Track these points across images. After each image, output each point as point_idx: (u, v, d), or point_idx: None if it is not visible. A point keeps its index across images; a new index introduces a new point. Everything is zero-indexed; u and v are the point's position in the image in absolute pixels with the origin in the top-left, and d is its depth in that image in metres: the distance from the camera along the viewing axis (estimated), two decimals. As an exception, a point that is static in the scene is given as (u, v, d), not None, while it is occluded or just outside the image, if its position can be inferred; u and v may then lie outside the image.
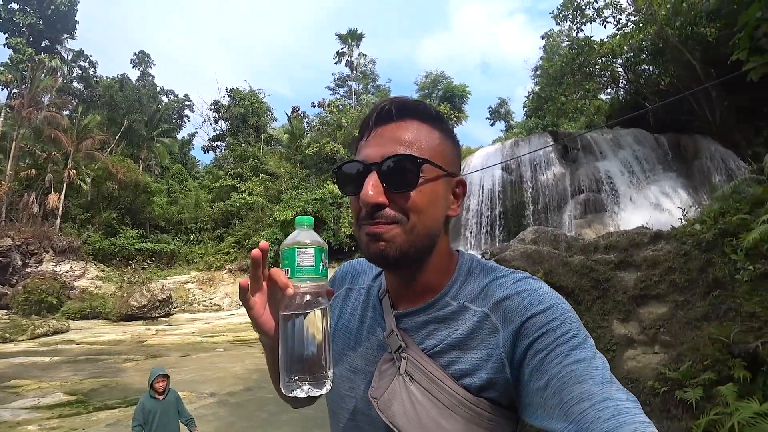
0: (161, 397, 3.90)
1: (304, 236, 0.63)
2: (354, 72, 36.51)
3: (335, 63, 37.26)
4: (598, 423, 0.49)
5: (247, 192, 25.15)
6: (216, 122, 36.30)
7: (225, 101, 35.33)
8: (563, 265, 6.34)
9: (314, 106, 34.14)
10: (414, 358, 0.67)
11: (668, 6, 13.89)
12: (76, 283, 19.53)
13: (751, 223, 3.84)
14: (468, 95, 30.06)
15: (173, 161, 33.97)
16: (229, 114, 34.46)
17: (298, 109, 33.29)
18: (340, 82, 37.82)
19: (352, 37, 35.67)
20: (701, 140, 15.68)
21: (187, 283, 21.81)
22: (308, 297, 0.61)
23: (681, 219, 5.95)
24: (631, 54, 16.23)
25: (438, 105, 25.92)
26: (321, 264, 0.63)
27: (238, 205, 24.75)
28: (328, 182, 22.34)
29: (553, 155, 19.11)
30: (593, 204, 17.07)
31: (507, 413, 0.65)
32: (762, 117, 12.80)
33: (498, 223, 18.33)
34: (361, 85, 35.85)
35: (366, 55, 36.98)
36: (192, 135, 40.02)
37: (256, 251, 0.60)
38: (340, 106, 27.71)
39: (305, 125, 30.82)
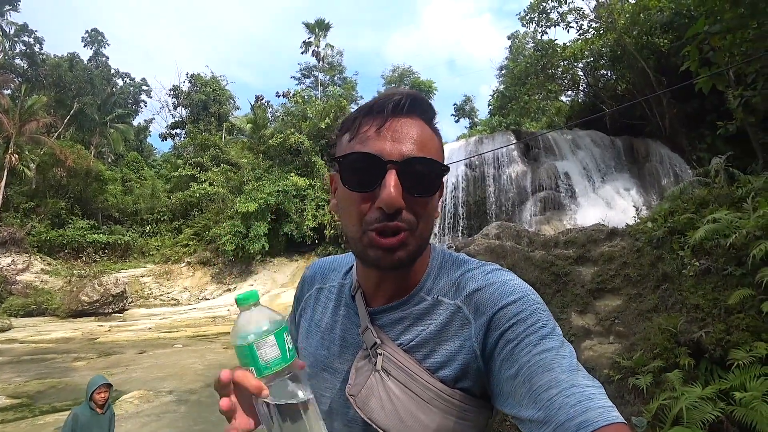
0: (101, 411, 3.34)
1: (257, 322, 0.55)
2: (320, 63, 36.00)
3: (301, 53, 36.64)
4: (565, 408, 0.50)
5: (207, 182, 24.26)
6: (175, 109, 34.83)
7: (185, 87, 33.94)
8: (525, 259, 6.58)
9: (279, 96, 33.52)
10: (390, 354, 0.68)
11: (627, 16, 14.62)
12: (18, 278, 18.20)
13: (696, 222, 4.13)
14: (434, 91, 30.43)
15: (128, 148, 32.29)
16: (189, 101, 33.12)
17: (262, 98, 32.49)
18: (306, 72, 37.22)
19: (320, 27, 35.11)
20: (652, 144, 16.66)
21: (143, 276, 20.85)
22: (287, 387, 0.55)
23: (634, 217, 6.30)
24: (592, 59, 16.98)
25: (405, 100, 26.04)
26: (286, 347, 0.55)
27: (197, 195, 23.86)
28: (291, 174, 21.93)
29: (516, 153, 19.66)
30: (552, 201, 17.75)
31: (481, 402, 0.66)
32: (707, 125, 13.73)
33: (461, 218, 18.70)
34: (328, 77, 35.43)
35: (333, 46, 36.55)
36: (149, 121, 38.27)
37: (223, 376, 0.54)
38: (306, 97, 27.22)
39: (269, 115, 30.09)
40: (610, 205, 15.88)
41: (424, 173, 0.63)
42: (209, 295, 19.68)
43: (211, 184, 24.14)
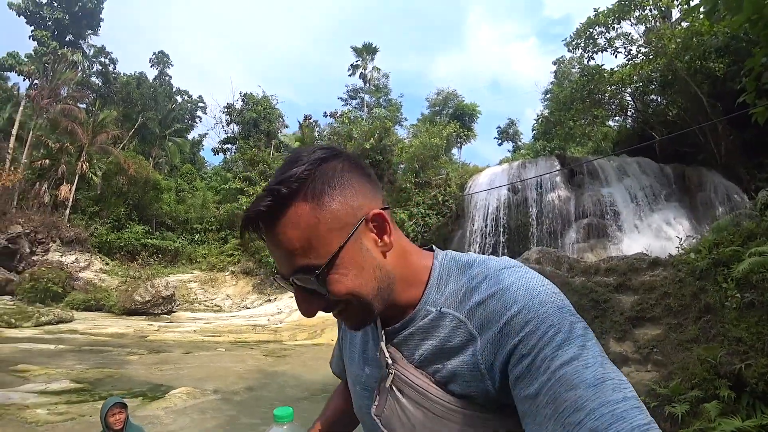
0: None
1: None
2: (367, 85, 37.19)
3: (349, 75, 38.06)
4: None
5: (254, 196, 25.47)
6: (228, 125, 36.86)
7: (238, 105, 35.96)
8: (565, 285, 6.58)
9: (326, 116, 34.78)
10: (401, 371, 0.68)
11: (678, 41, 14.31)
12: (80, 275, 19.79)
13: (742, 255, 4.09)
14: (478, 114, 30.61)
15: (183, 161, 34.53)
16: (241, 118, 35.03)
17: (310, 118, 33.85)
18: (352, 93, 38.50)
19: (367, 51, 36.41)
20: (706, 172, 15.96)
21: (189, 282, 22.05)
22: None
23: (678, 247, 6.18)
24: (640, 84, 16.63)
25: (448, 123, 26.36)
26: None
27: (244, 208, 25.03)
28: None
29: (559, 178, 19.37)
30: (596, 229, 17.27)
31: (499, 412, 0.63)
32: (767, 153, 13.09)
33: (501, 242, 18.52)
34: (374, 98, 36.50)
35: (380, 69, 37.72)
36: (203, 136, 40.76)
37: None
38: (352, 117, 28.18)
39: (316, 134, 31.33)
40: (658, 235, 15.30)
41: (307, 283, 0.63)
42: (250, 304, 20.47)
43: (257, 198, 25.32)
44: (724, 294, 3.97)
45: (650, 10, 15.94)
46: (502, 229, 18.72)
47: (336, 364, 1.01)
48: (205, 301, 20.67)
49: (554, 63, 24.48)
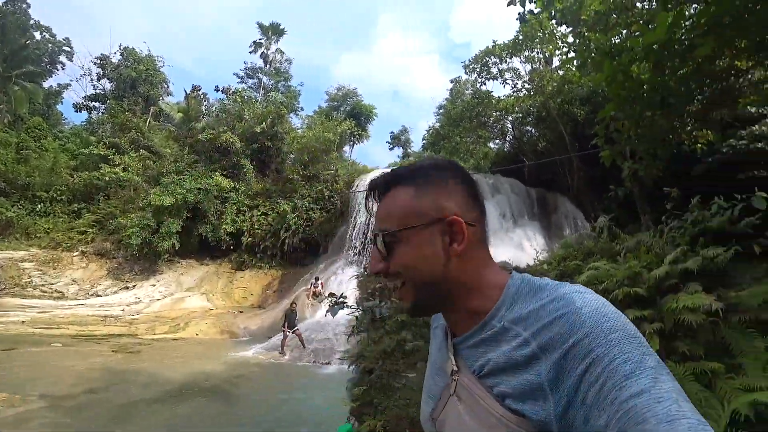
0: None
1: None
2: (268, 66, 35.33)
3: (250, 52, 35.78)
4: None
5: (121, 167, 22.17)
6: (99, 80, 31.74)
7: (115, 59, 31.20)
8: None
9: (218, 91, 32.04)
10: (463, 380, 0.72)
11: (554, 84, 16.49)
12: None
13: (582, 269, 4.80)
14: (374, 116, 31.25)
15: (33, 112, 28.57)
16: (117, 74, 30.47)
17: (200, 89, 30.90)
18: (250, 72, 36.24)
19: (273, 31, 34.64)
20: (561, 198, 18.67)
21: (23, 261, 18.29)
22: None
23: (534, 259, 7.06)
24: (520, 115, 18.81)
25: (344, 119, 26.37)
26: None
27: (107, 179, 21.66)
28: (216, 173, 20.87)
29: (443, 188, 20.79)
30: (469, 238, 18.95)
31: None
32: (606, 189, 15.83)
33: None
34: (272, 81, 34.81)
35: (283, 53, 36.19)
36: (64, 87, 34.19)
37: None
38: (246, 97, 26.42)
39: (203, 108, 28.67)
40: (518, 247, 17.38)
41: (384, 241, 0.74)
42: (102, 291, 17.77)
43: (125, 170, 22.12)
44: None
45: (537, 53, 18.10)
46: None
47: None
48: (43, 285, 17.33)
49: (452, 81, 26.20)
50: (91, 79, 32.02)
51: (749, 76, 7.22)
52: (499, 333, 0.68)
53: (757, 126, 9.47)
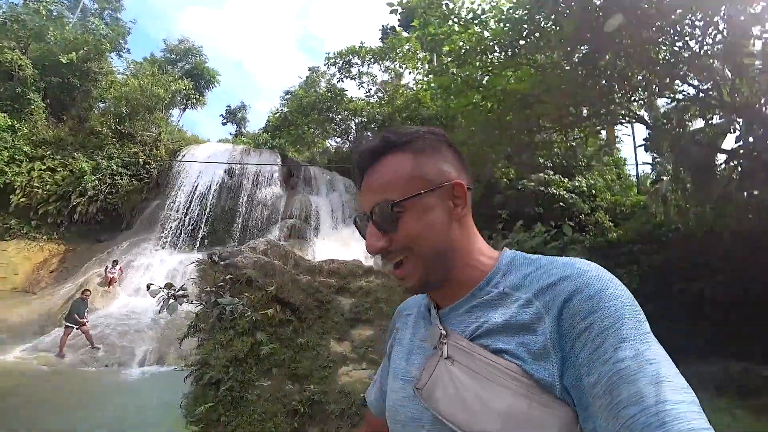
0: None
1: None
2: (94, -16, 27.42)
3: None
4: (647, 431, 0.48)
5: None
6: None
7: None
8: (293, 281, 6.68)
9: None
10: (454, 342, 0.68)
11: (404, 99, 17.94)
12: None
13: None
14: (216, 83, 27.83)
15: None
16: None
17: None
18: (67, -17, 27.45)
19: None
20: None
21: None
22: None
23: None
24: (365, 120, 19.73)
25: (179, 78, 22.77)
26: None
27: None
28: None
29: (277, 176, 20.14)
30: (298, 230, 18.84)
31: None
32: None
33: (202, 226, 17.26)
34: (97, 6, 27.07)
35: (118, -24, 28.63)
36: None
37: None
38: (55, 12, 20.00)
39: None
40: (344, 245, 18.15)
41: (380, 216, 0.70)
42: None
43: None
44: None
45: (397, 65, 19.37)
46: (207, 210, 17.54)
47: (373, 392, 0.99)
48: None
49: (310, 69, 25.39)
50: None
51: (544, 135, 9.41)
52: (495, 298, 0.67)
53: (542, 173, 12.42)
